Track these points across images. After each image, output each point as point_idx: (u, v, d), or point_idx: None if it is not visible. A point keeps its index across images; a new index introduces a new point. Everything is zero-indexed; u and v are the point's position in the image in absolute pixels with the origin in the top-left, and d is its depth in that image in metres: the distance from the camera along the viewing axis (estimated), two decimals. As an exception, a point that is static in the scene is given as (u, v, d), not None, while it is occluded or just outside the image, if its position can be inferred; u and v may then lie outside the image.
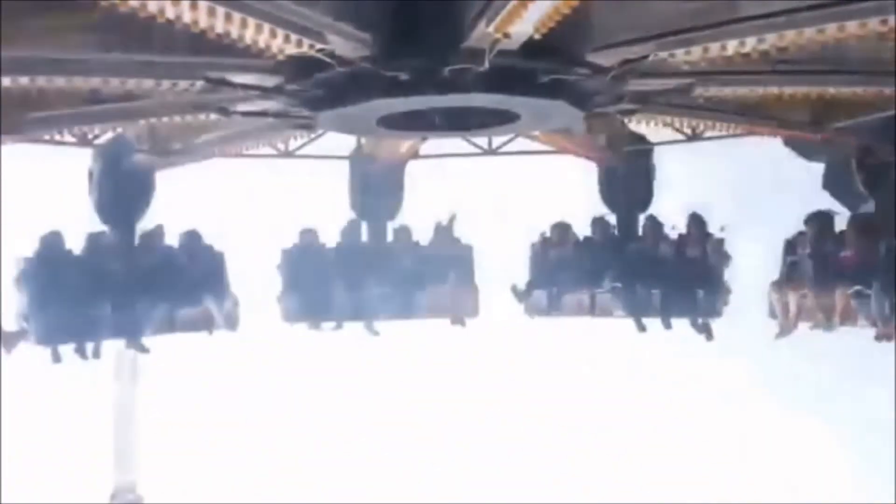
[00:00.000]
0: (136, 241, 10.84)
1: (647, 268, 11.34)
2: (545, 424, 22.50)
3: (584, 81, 6.75)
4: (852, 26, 5.77)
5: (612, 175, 11.78)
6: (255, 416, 21.96)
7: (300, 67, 6.43)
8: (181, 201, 12.11)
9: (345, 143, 11.61)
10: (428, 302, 11.82)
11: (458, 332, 12.23)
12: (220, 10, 5.29)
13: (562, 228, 11.94)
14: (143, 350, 10.66)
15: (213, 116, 8.22)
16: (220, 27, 5.41)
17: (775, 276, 10.86)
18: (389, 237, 12.15)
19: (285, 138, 11.10)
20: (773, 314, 10.77)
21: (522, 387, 22.50)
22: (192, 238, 11.15)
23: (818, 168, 11.09)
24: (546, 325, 12.28)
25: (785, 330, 10.68)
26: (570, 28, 5.67)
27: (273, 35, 5.64)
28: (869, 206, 10.25)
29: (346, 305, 11.58)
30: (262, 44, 5.71)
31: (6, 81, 6.52)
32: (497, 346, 20.35)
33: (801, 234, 10.65)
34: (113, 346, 11.17)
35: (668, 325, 11.30)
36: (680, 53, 6.43)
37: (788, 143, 10.46)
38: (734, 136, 10.33)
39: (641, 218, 11.67)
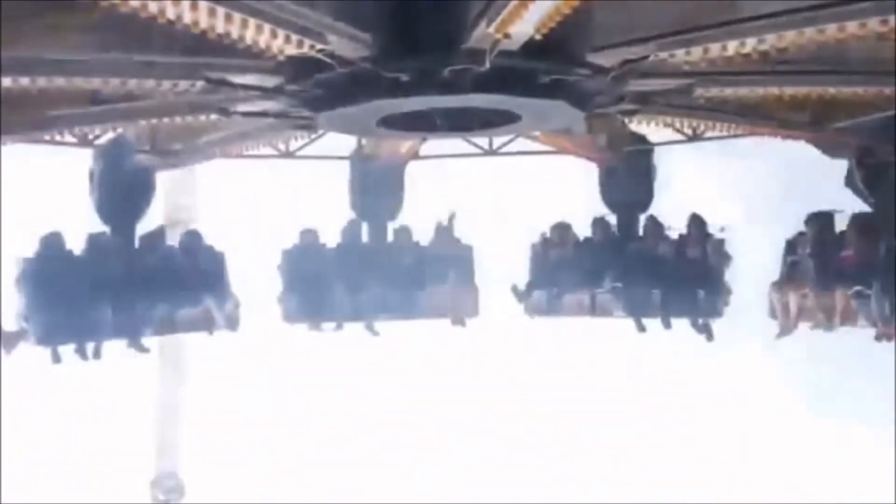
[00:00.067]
0: (137, 241, 10.84)
1: (647, 268, 11.35)
2: (545, 424, 22.49)
3: (585, 82, 6.75)
4: (852, 26, 5.77)
5: (612, 175, 11.77)
6: (256, 416, 21.96)
7: (301, 68, 6.43)
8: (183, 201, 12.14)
9: (345, 143, 11.62)
10: (428, 302, 11.83)
11: (458, 332, 12.25)
12: (221, 11, 5.28)
13: (562, 229, 11.94)
14: (143, 350, 10.64)
15: (213, 117, 8.22)
16: (220, 28, 5.41)
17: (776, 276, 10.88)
18: (390, 237, 12.15)
19: (286, 139, 11.11)
20: (773, 314, 10.78)
21: (522, 387, 22.50)
22: (192, 238, 11.15)
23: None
24: (546, 325, 12.29)
25: (785, 330, 10.68)
26: (570, 28, 5.67)
27: (273, 35, 5.64)
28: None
29: (347, 306, 11.59)
30: (262, 44, 5.71)
31: (7, 81, 6.52)
32: (497, 346, 20.35)
33: (801, 234, 10.65)
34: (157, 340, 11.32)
35: (668, 326, 11.30)
36: (680, 54, 6.43)
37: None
38: (734, 136, 10.33)
39: (642, 218, 11.67)
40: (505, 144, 12.20)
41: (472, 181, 14.73)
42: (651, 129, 10.48)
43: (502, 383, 22.40)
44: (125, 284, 10.37)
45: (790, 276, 10.66)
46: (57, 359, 10.17)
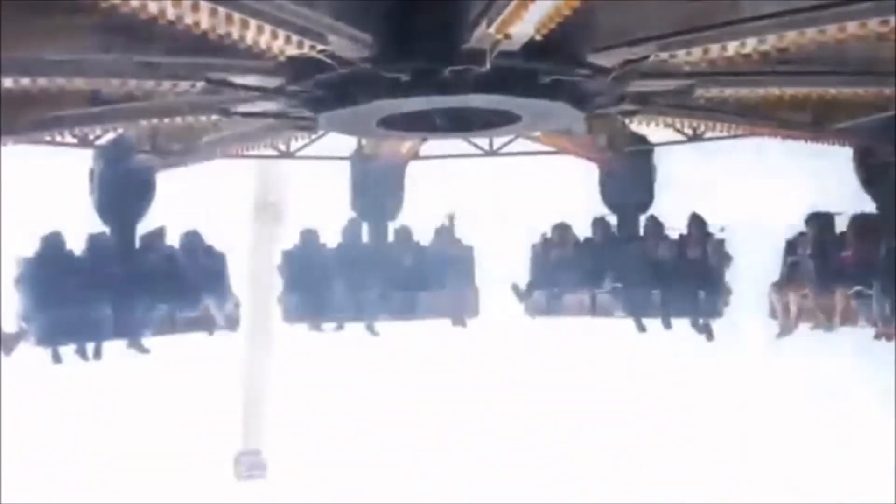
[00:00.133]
0: (137, 241, 10.84)
1: (647, 268, 11.36)
2: (545, 424, 22.48)
3: (585, 82, 6.75)
4: (852, 27, 5.77)
5: (612, 176, 11.78)
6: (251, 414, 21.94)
7: (301, 68, 6.43)
8: (183, 201, 12.13)
9: (345, 143, 11.62)
10: (429, 302, 11.85)
11: (458, 332, 12.25)
12: (222, 12, 5.28)
13: (562, 229, 11.95)
14: (143, 350, 10.65)
15: (214, 117, 8.22)
16: (221, 28, 5.40)
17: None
18: (390, 238, 12.15)
19: (286, 139, 11.11)
20: (773, 314, 10.78)
21: (522, 387, 22.49)
22: (193, 238, 11.15)
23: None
24: (546, 325, 12.29)
25: (785, 330, 10.69)
26: (571, 29, 5.67)
27: (274, 36, 5.63)
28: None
29: (347, 306, 11.60)
30: (263, 45, 5.70)
31: (7, 82, 6.51)
32: (497, 346, 20.34)
33: (801, 234, 10.66)
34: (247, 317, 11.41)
35: (668, 326, 11.31)
36: (681, 54, 6.42)
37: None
38: (735, 136, 10.33)
39: (642, 219, 11.67)
40: (505, 145, 12.20)
41: (473, 181, 14.72)
42: (651, 129, 10.47)
43: (502, 383, 22.38)
44: (125, 285, 10.38)
45: (790, 276, 10.67)
46: (57, 359, 10.19)
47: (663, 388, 21.99)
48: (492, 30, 5.60)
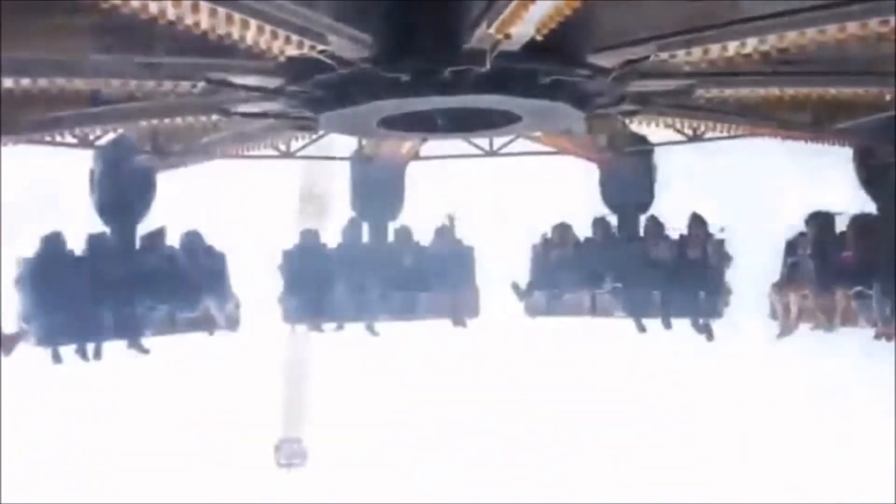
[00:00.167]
0: (137, 242, 10.84)
1: (647, 268, 11.36)
2: (545, 424, 22.50)
3: (586, 82, 6.75)
4: (853, 27, 5.77)
5: (612, 176, 11.78)
6: (256, 416, 21.96)
7: (301, 69, 6.43)
8: (183, 202, 12.13)
9: (346, 144, 11.63)
10: (429, 303, 11.85)
11: (458, 332, 12.25)
12: (222, 12, 5.28)
13: (563, 229, 11.95)
14: (143, 351, 10.65)
15: (214, 118, 8.22)
16: (221, 29, 5.40)
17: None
18: (390, 238, 12.15)
19: (286, 139, 11.11)
20: (773, 315, 10.79)
21: (522, 387, 22.51)
22: (193, 239, 11.15)
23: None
24: (546, 325, 12.30)
25: (786, 330, 10.69)
26: (571, 29, 5.66)
27: (274, 36, 5.63)
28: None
29: (347, 306, 11.60)
30: (263, 45, 5.70)
31: (8, 82, 6.52)
32: (497, 346, 20.35)
33: (801, 234, 10.66)
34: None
35: (668, 326, 11.32)
36: (681, 54, 6.42)
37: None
38: (735, 136, 10.33)
39: (642, 219, 11.67)
40: (505, 145, 12.20)
41: (473, 182, 14.74)
42: (651, 129, 10.47)
43: (502, 383, 22.41)
44: (126, 285, 10.38)
45: (791, 276, 10.67)
46: (57, 359, 10.19)
47: (663, 388, 22.02)
48: (492, 30, 5.60)
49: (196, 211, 12.31)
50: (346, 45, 6.00)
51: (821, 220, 10.53)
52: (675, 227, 11.53)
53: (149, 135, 10.08)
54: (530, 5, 5.22)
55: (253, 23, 5.44)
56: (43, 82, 6.67)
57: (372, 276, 11.59)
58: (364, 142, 11.50)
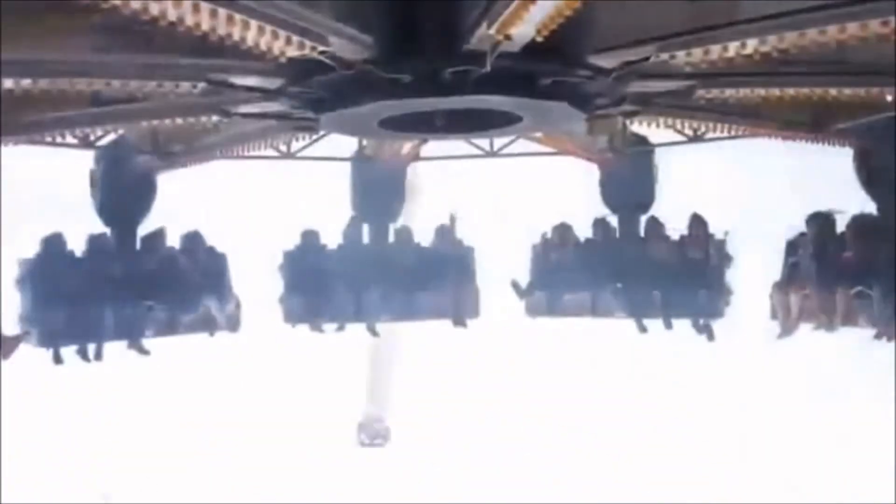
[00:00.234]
0: (138, 242, 10.85)
1: (648, 269, 11.36)
2: (545, 424, 22.51)
3: (586, 83, 6.74)
4: (853, 28, 5.77)
5: (613, 176, 11.78)
6: (255, 416, 21.97)
7: (302, 69, 6.43)
8: (183, 203, 12.14)
9: (346, 144, 11.63)
10: (429, 303, 11.85)
11: (459, 332, 12.26)
12: (222, 13, 5.29)
13: (563, 230, 11.95)
14: (144, 352, 10.66)
15: (215, 118, 8.22)
16: (221, 30, 5.41)
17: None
18: (391, 238, 12.15)
19: (287, 140, 11.11)
20: (774, 315, 10.78)
21: (522, 387, 22.53)
22: (193, 239, 11.16)
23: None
24: (546, 325, 12.30)
25: (786, 330, 10.68)
26: (571, 30, 5.65)
27: (275, 37, 5.63)
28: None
29: (348, 307, 11.61)
30: (263, 46, 5.70)
31: (8, 83, 6.52)
32: (497, 346, 20.37)
33: (802, 234, 10.66)
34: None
35: (669, 326, 11.32)
36: (681, 55, 6.42)
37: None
38: (735, 137, 10.33)
39: (643, 219, 11.67)
40: (506, 146, 12.21)
41: (474, 183, 14.75)
42: (652, 129, 10.48)
43: (502, 383, 22.42)
44: (126, 285, 10.39)
45: (791, 276, 10.67)
46: (58, 360, 10.20)
47: (663, 388, 22.04)
48: (493, 31, 5.59)
49: (196, 211, 12.33)
50: (346, 45, 6.00)
51: (821, 221, 10.53)
52: (676, 227, 11.54)
53: (149, 135, 10.09)
54: (531, 6, 5.22)
55: (253, 24, 5.44)
56: (43, 83, 6.66)
57: (373, 276, 11.59)
58: (365, 142, 11.50)
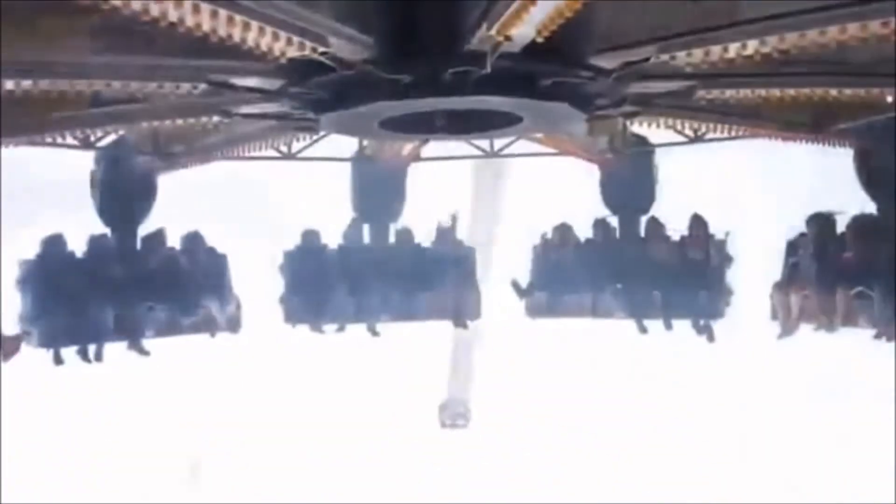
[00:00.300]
0: (139, 243, 10.85)
1: (648, 269, 11.36)
2: (545, 424, 22.51)
3: (587, 84, 6.74)
4: (853, 28, 5.77)
5: (613, 177, 11.78)
6: (256, 415, 21.98)
7: (302, 70, 6.43)
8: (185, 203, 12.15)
9: (347, 145, 11.64)
10: (430, 304, 11.85)
11: (458, 332, 12.26)
12: (223, 14, 5.29)
13: (563, 230, 11.96)
14: (144, 353, 10.66)
15: (215, 119, 8.22)
16: (222, 30, 5.41)
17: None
18: (392, 239, 12.15)
19: (288, 140, 11.11)
20: (774, 316, 10.78)
21: (522, 387, 22.52)
22: (194, 240, 11.16)
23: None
24: (547, 325, 12.31)
25: (787, 331, 10.68)
26: (572, 31, 5.65)
27: (275, 38, 5.63)
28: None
29: (348, 307, 11.61)
30: (264, 47, 5.70)
31: (9, 84, 6.52)
32: (497, 347, 20.37)
33: (802, 235, 10.66)
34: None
35: (669, 327, 11.32)
36: (682, 56, 6.42)
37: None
38: (736, 137, 10.33)
39: (643, 220, 11.67)
40: (507, 146, 12.21)
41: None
42: (652, 130, 10.48)
43: (502, 384, 22.41)
44: (127, 286, 10.40)
45: (791, 277, 10.67)
46: (59, 361, 10.20)
47: (663, 388, 22.04)
48: (493, 32, 5.59)
49: (196, 212, 12.34)
50: (347, 46, 6.00)
51: (821, 221, 10.53)
52: (676, 228, 11.54)
53: (150, 136, 10.09)
54: (531, 7, 5.22)
55: (254, 24, 5.44)
56: (44, 84, 6.67)
57: (373, 277, 11.59)
58: (365, 143, 11.51)
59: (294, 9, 5.51)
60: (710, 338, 11.41)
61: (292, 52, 5.87)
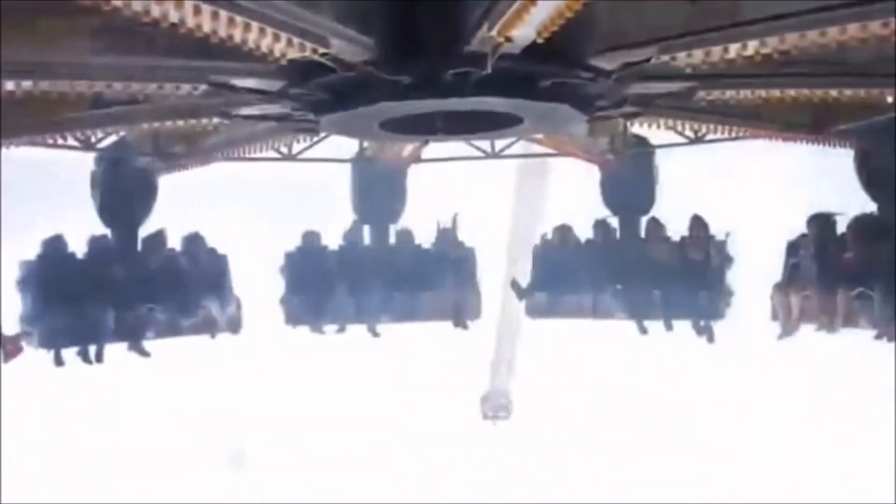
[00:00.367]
0: (139, 244, 10.85)
1: (648, 270, 11.36)
2: (546, 424, 22.52)
3: (587, 85, 6.74)
4: (854, 29, 5.78)
5: (614, 178, 11.78)
6: (254, 416, 21.98)
7: (303, 71, 6.43)
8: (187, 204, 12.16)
9: (347, 146, 11.64)
10: (430, 305, 11.85)
11: (459, 332, 12.26)
12: (223, 15, 5.29)
13: (563, 231, 11.96)
14: (144, 354, 10.66)
15: (216, 120, 8.23)
16: (222, 31, 5.41)
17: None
18: (392, 240, 12.15)
19: (288, 141, 11.11)
20: (775, 316, 10.79)
21: (523, 387, 22.52)
22: (194, 241, 11.16)
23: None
24: (547, 326, 12.32)
25: (787, 331, 10.69)
26: (572, 31, 5.66)
27: (276, 39, 5.63)
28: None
29: (349, 308, 11.62)
30: (264, 48, 5.70)
31: (9, 85, 6.52)
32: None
33: (802, 235, 10.66)
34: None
35: (669, 327, 11.32)
36: (682, 56, 6.43)
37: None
38: (736, 138, 10.34)
39: (643, 220, 11.67)
40: (507, 147, 12.20)
41: (475, 184, 14.74)
42: (652, 131, 10.48)
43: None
44: (127, 287, 10.40)
45: (792, 277, 10.67)
46: (59, 362, 10.21)
47: (664, 388, 22.04)
48: (493, 33, 5.60)
49: (197, 212, 12.34)
50: (347, 47, 6.00)
51: (822, 222, 10.53)
52: (676, 228, 11.54)
53: (150, 137, 10.09)
54: (531, 8, 5.23)
55: (255, 26, 5.45)
56: (44, 85, 6.67)
57: (373, 278, 11.60)
58: (366, 144, 11.51)
59: (294, 10, 5.51)
60: (711, 338, 11.41)
61: (293, 54, 5.88)
